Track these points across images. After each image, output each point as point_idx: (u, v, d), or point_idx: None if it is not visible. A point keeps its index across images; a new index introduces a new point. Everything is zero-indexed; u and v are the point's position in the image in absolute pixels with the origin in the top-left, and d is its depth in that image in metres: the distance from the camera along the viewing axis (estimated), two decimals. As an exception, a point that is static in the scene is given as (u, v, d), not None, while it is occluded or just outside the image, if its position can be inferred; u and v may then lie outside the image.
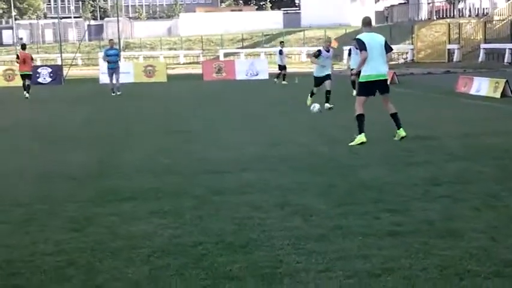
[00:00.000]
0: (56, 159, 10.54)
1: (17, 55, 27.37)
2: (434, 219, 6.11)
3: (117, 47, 29.74)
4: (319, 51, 18.50)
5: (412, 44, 53.51)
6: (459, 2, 61.19)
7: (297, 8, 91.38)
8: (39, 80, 34.23)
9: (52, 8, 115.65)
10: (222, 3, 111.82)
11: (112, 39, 29.47)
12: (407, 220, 6.10)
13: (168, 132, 13.84)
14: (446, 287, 4.42)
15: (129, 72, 35.16)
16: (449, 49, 48.71)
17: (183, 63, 62.41)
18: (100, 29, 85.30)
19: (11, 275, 4.86)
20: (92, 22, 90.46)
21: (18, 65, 27.01)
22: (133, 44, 75.28)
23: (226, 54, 61.95)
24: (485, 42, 45.18)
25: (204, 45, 70.02)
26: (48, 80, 36.25)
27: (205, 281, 4.65)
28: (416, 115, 15.62)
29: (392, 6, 79.07)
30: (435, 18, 58.39)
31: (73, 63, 44.52)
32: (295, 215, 6.46)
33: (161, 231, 5.96)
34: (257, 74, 37.34)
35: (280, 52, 32.07)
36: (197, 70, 44.35)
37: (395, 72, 30.39)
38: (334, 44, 36.04)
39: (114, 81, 25.58)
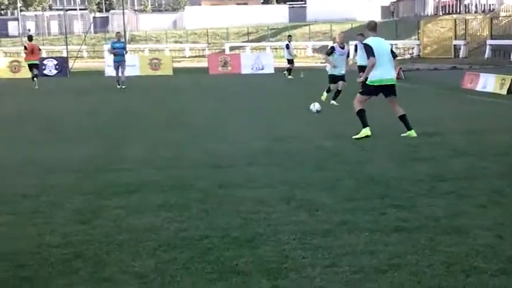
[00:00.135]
0: (62, 151, 10.56)
1: (25, 46, 27.63)
2: (440, 216, 6.11)
3: (123, 40, 29.70)
4: (332, 48, 17.40)
5: (418, 39, 53.40)
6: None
7: (303, 2, 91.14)
8: (45, 71, 34.26)
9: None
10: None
11: (118, 32, 29.45)
12: (413, 216, 6.10)
13: (173, 125, 13.85)
14: (453, 283, 4.41)
15: (135, 65, 35.18)
16: (455, 45, 48.61)
17: (189, 57, 62.38)
18: (105, 22, 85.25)
19: (19, 267, 4.88)
20: (98, 14, 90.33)
21: (25, 55, 27.30)
22: (138, 36, 75.24)
23: (231, 48, 61.88)
24: (492, 39, 45.04)
25: (209, 39, 69.96)
26: (54, 72, 36.29)
27: (211, 275, 4.66)
28: (421, 111, 15.59)
29: (398, 1, 78.84)
30: (441, 14, 58.23)
31: (78, 56, 44.50)
32: (301, 209, 6.47)
33: (168, 225, 5.97)
34: (263, 68, 37.32)
35: (287, 46, 32.04)
36: (202, 64, 44.34)
37: (400, 68, 30.30)
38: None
39: (120, 74, 25.52)
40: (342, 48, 17.21)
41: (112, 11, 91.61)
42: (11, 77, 35.20)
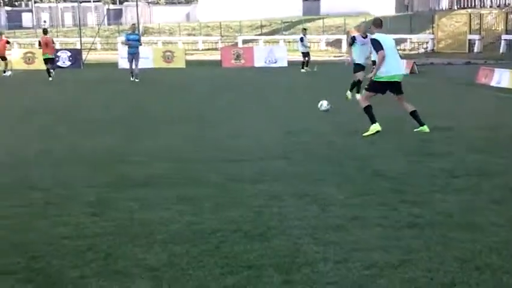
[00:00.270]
0: (75, 143, 10.59)
1: (39, 42, 27.89)
2: (454, 212, 6.07)
3: (138, 32, 29.72)
4: (353, 38, 16.99)
5: (432, 33, 53.10)
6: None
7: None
8: (59, 63, 34.33)
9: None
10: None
11: (134, 24, 29.43)
12: (426, 212, 6.07)
13: (186, 118, 13.85)
14: (466, 280, 4.38)
15: (148, 57, 35.20)
16: (469, 39, 48.28)
17: (202, 49, 62.36)
18: (119, 14, 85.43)
19: (31, 259, 4.90)
20: (112, 6, 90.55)
21: (41, 49, 27.65)
22: (151, 29, 75.29)
23: (244, 41, 61.79)
24: (507, 33, 44.70)
25: (222, 32, 69.88)
26: (68, 63, 36.41)
27: (223, 268, 4.66)
28: (435, 106, 15.52)
29: (413, -5, 78.43)
30: (456, 8, 57.87)
31: (92, 48, 44.61)
32: (313, 204, 6.46)
33: (180, 218, 5.97)
34: (276, 62, 37.24)
35: (301, 39, 31.93)
36: (215, 56, 44.32)
37: (414, 62, 30.19)
38: (353, 33, 35.94)
39: (133, 67, 25.51)
40: (364, 37, 16.50)
41: (125, 3, 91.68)
42: (25, 69, 35.36)
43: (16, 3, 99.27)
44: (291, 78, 27.72)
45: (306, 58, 31.28)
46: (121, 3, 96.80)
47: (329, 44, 60.00)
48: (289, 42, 57.03)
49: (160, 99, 18.42)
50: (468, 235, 5.35)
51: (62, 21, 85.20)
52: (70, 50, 39.87)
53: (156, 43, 62.30)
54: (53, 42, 28.61)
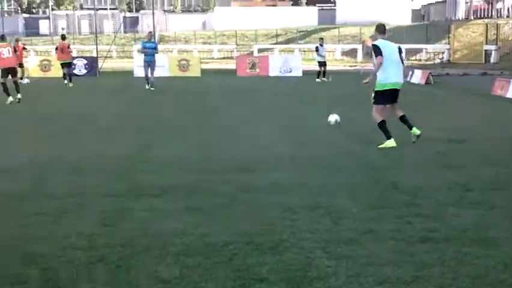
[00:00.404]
0: (90, 151, 10.64)
1: (56, 47, 28.50)
2: (468, 227, 6.02)
3: (154, 40, 29.88)
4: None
5: (448, 43, 52.94)
6: (497, 2, 60.34)
7: (333, 5, 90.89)
8: (75, 71, 34.54)
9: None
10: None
11: (150, 32, 29.58)
12: (440, 226, 6.03)
13: (200, 127, 13.88)
14: (479, 297, 4.35)
15: (164, 65, 35.32)
16: (486, 50, 48.08)
17: (217, 58, 62.57)
18: (135, 22, 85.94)
19: (43, 270, 4.91)
20: (128, 14, 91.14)
21: (56, 54, 28.13)
22: (167, 37, 75.67)
23: (260, 50, 61.93)
24: (524, 44, 44.51)
25: (238, 40, 70.09)
26: (84, 71, 36.63)
27: (235, 282, 4.64)
28: (450, 117, 15.47)
29: (429, 4, 78.40)
30: (472, 18, 57.72)
31: (108, 55, 44.87)
32: (325, 216, 6.43)
33: (192, 229, 5.97)
34: (291, 71, 37.27)
35: (317, 49, 31.96)
36: (231, 65, 44.43)
37: (430, 73, 30.14)
38: (368, 43, 35.86)
39: (149, 75, 25.57)
40: None
41: (142, 11, 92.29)
42: (41, 76, 35.60)
43: (34, 11, 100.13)
44: (306, 87, 27.72)
45: (322, 68, 31.22)
46: (137, 11, 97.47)
47: (344, 53, 60.02)
48: (304, 51, 57.11)
49: (175, 108, 18.47)
50: (482, 251, 5.30)
51: (78, 28, 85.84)
52: (86, 57, 40.11)
53: (172, 51, 62.57)
54: (69, 47, 29.10)
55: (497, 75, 29.89)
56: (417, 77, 30.18)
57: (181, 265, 4.99)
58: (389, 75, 10.98)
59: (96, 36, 43.85)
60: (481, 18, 56.78)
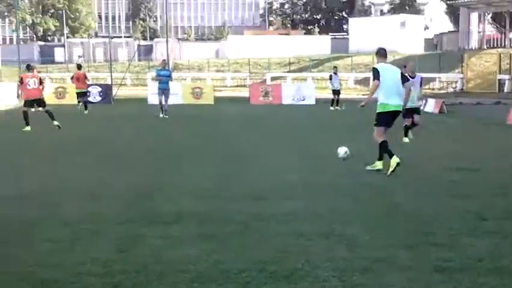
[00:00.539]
0: (104, 177, 10.68)
1: (72, 76, 29.04)
2: (484, 256, 5.98)
3: (168, 68, 30.10)
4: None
5: (462, 73, 52.93)
6: (510, 31, 60.40)
7: (345, 34, 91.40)
8: (90, 98, 34.79)
9: (103, 27, 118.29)
10: (270, 27, 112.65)
11: (164, 60, 29.83)
12: (455, 255, 5.99)
13: (213, 155, 13.90)
14: (495, 328, 4.30)
15: (177, 93, 35.52)
16: (499, 79, 48.03)
17: (230, 86, 62.85)
18: (149, 50, 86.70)
19: (58, 295, 4.92)
20: (142, 42, 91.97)
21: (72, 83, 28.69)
22: (181, 65, 76.20)
23: (273, 78, 62.17)
24: (537, 74, 44.40)
25: (251, 68, 70.45)
26: (98, 99, 36.89)
27: (249, 309, 4.63)
28: (464, 146, 15.42)
29: (442, 34, 78.60)
30: (485, 48, 57.73)
31: (122, 83, 45.17)
32: (340, 244, 6.41)
33: (206, 256, 5.96)
34: (304, 99, 37.36)
35: (330, 77, 32.20)
36: (244, 93, 44.60)
37: (444, 102, 30.12)
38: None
39: (163, 102, 25.68)
40: (413, 77, 15.79)
41: (156, 39, 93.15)
42: (56, 103, 35.78)
43: (49, 38, 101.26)
44: (319, 116, 27.76)
45: (336, 96, 31.32)
46: (151, 39, 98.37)
47: (357, 82, 60.10)
48: (317, 79, 57.24)
49: (188, 135, 18.53)
50: (498, 280, 5.26)
51: (93, 56, 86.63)
52: (100, 85, 40.42)
53: (185, 79, 62.93)
54: (86, 77, 29.54)
55: (511, 105, 29.79)
56: (431, 105, 30.17)
57: (195, 292, 4.99)
58: (391, 98, 11.14)
59: (110, 64, 44.20)
60: (494, 47, 56.78)
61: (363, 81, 58.88)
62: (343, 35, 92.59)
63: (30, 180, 10.52)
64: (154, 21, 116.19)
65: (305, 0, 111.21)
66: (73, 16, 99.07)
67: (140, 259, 5.89)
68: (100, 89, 38.12)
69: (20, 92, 29.77)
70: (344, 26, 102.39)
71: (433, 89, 53.01)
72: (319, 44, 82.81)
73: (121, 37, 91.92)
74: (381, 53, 11.56)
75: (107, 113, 29.04)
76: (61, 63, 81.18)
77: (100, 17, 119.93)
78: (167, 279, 5.31)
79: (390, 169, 10.82)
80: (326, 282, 5.23)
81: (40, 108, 20.57)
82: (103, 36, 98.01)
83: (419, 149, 14.63)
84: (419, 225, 7.25)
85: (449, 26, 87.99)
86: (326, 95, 36.14)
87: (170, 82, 26.52)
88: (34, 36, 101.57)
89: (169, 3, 73.97)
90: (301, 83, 51.05)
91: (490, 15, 63.84)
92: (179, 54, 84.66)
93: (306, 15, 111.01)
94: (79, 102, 28.89)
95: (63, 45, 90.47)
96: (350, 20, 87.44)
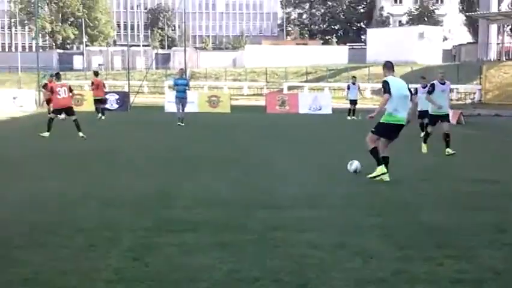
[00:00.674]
0: (119, 185, 10.70)
1: (92, 82, 29.34)
2: (502, 269, 5.90)
3: (186, 77, 30.21)
4: (432, 85, 15.91)
5: (480, 84, 52.62)
6: (529, 43, 60.06)
7: (363, 44, 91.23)
8: (107, 106, 34.97)
9: (122, 35, 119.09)
10: (288, 37, 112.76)
11: (182, 69, 29.91)
12: (473, 268, 5.91)
13: (229, 163, 13.88)
14: None
15: (193, 101, 35.57)
16: (518, 91, 47.70)
17: (247, 95, 62.90)
18: (167, 58, 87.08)
19: (71, 302, 4.91)
20: (160, 51, 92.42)
21: (91, 90, 28.90)
22: (198, 73, 76.43)
23: (290, 87, 62.15)
24: (556, 85, 44.03)
25: (268, 78, 70.49)
26: (116, 106, 37.04)
27: (263, 319, 4.59)
28: (482, 158, 15.30)
29: (460, 45, 78.22)
30: (504, 59, 57.38)
31: (139, 91, 45.37)
32: (355, 256, 6.35)
33: (220, 265, 5.94)
34: (320, 109, 37.28)
35: (348, 87, 32.22)
36: (260, 102, 44.62)
37: (461, 113, 29.91)
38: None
39: (180, 111, 25.72)
40: (443, 84, 15.83)
41: (173, 48, 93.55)
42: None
43: (68, 46, 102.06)
44: (335, 125, 27.69)
45: (352, 106, 31.28)
46: (169, 48, 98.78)
47: (374, 92, 59.89)
48: (334, 89, 57.14)
49: (204, 143, 18.53)
50: (516, 294, 5.18)
51: (112, 64, 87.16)
52: (117, 92, 40.61)
53: (202, 87, 63.11)
54: (104, 85, 29.89)
55: (530, 116, 29.56)
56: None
57: (209, 301, 4.96)
58: (398, 111, 11.23)
59: (128, 72, 44.44)
60: (512, 59, 56.55)
61: (380, 92, 58.66)
62: (361, 45, 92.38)
63: (46, 186, 10.55)
64: (172, 30, 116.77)
65: (323, 10, 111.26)
66: (92, 24, 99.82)
67: (153, 267, 5.88)
68: (117, 96, 38.28)
69: (44, 98, 30.16)
70: (362, 37, 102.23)
71: (451, 100, 52.64)
72: (336, 54, 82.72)
73: (139, 45, 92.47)
74: (389, 66, 11.65)
75: (123, 120, 29.14)
76: (79, 70, 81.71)
77: (118, 25, 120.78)
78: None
79: (374, 174, 11.07)
80: (341, 293, 5.19)
81: (63, 116, 20.69)
82: (121, 45, 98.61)
83: (437, 160, 14.53)
84: (436, 236, 7.17)
85: (467, 38, 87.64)
86: (342, 105, 36.02)
87: (187, 91, 26.56)
88: (53, 44, 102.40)
89: (187, 13, 74.32)
90: (318, 93, 50.97)
91: (510, 27, 63.47)
92: (197, 63, 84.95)
93: (324, 26, 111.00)
94: (96, 109, 29.12)
95: (82, 53, 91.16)
96: (368, 30, 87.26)
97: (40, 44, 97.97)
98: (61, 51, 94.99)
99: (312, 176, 12.05)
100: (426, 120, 20.74)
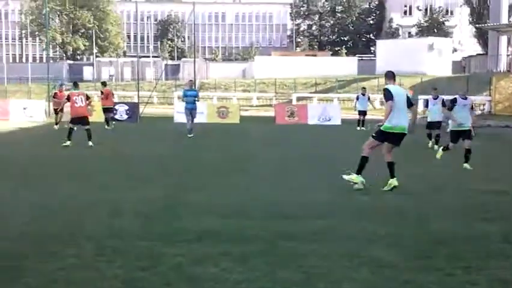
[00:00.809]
0: (130, 195, 10.69)
1: (101, 91, 29.54)
2: (511, 280, 5.85)
3: (195, 88, 30.21)
4: (453, 100, 15.47)
5: (490, 95, 52.47)
6: (540, 54, 59.88)
7: (372, 55, 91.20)
8: (116, 116, 35.07)
9: (132, 46, 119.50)
10: (297, 48, 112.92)
11: (191, 80, 29.94)
12: (483, 279, 5.87)
13: (238, 173, 13.87)
14: None
15: (202, 112, 35.61)
16: (528, 102, 47.53)
17: (256, 106, 62.90)
18: (176, 69, 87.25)
19: (79, 311, 4.90)
20: (170, 62, 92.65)
21: (100, 101, 29.00)
22: (207, 84, 76.55)
23: (299, 98, 62.15)
24: None
25: (277, 89, 70.53)
26: (125, 117, 37.11)
27: (271, 330, 4.56)
28: (491, 169, 15.22)
29: (470, 56, 78.03)
30: (514, 71, 57.19)
31: (148, 101, 45.47)
32: (364, 266, 6.32)
33: (228, 275, 5.92)
34: (329, 120, 37.23)
35: (357, 97, 32.33)
36: (269, 113, 44.60)
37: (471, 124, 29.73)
38: (409, 93, 35.79)
39: (190, 122, 25.71)
40: (465, 98, 15.51)
41: (183, 59, 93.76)
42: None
43: (78, 57, 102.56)
44: (344, 136, 27.62)
45: (361, 117, 31.29)
46: (179, 59, 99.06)
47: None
48: (343, 100, 57.11)
49: (213, 153, 18.52)
50: (526, 305, 5.13)
51: (121, 75, 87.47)
52: (127, 103, 40.67)
53: (211, 98, 63.18)
54: (113, 95, 30.12)
55: (540, 128, 29.41)
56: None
57: (217, 311, 4.93)
58: (397, 119, 11.32)
59: (138, 83, 44.50)
60: (523, 70, 56.31)
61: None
62: (370, 57, 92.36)
63: (56, 196, 10.57)
64: (182, 41, 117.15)
65: (332, 22, 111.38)
66: (102, 36, 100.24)
67: (161, 277, 5.86)
68: (127, 107, 38.36)
69: (53, 107, 30.37)
70: (371, 48, 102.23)
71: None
72: (346, 66, 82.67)
73: (148, 56, 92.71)
74: (390, 76, 11.81)
75: (132, 130, 29.21)
76: (89, 81, 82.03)
77: (128, 36, 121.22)
78: (189, 297, 5.26)
79: (352, 178, 11.30)
80: (349, 304, 5.15)
81: (71, 125, 20.76)
82: (131, 56, 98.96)
83: (446, 171, 14.47)
84: (447, 247, 7.13)
85: (477, 49, 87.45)
86: (351, 116, 35.98)
87: (197, 102, 26.57)
88: (64, 55, 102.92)
89: (197, 24, 74.65)
90: (327, 104, 50.95)
91: (520, 38, 63.23)
92: (206, 73, 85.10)
93: (334, 37, 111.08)
94: (106, 119, 29.27)
95: (92, 64, 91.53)
96: (378, 41, 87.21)
97: (51, 55, 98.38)
98: (71, 62, 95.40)
99: (322, 186, 12.01)
100: (436, 132, 20.74)
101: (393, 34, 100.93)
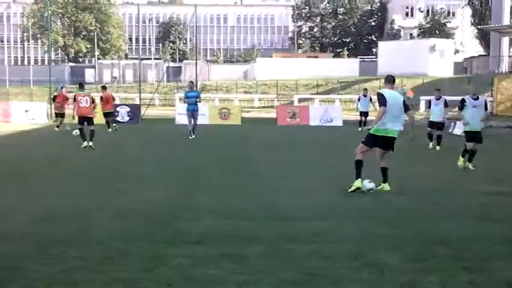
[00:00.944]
0: (132, 197, 10.69)
1: (101, 97, 29.24)
2: (514, 281, 5.84)
3: (196, 89, 30.19)
4: (463, 101, 15.43)
5: (492, 96, 52.43)
6: (541, 55, 59.82)
7: (374, 57, 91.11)
8: (118, 118, 35.07)
9: (133, 49, 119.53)
10: (299, 50, 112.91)
11: (191, 81, 29.90)
12: (486, 280, 5.86)
13: (240, 175, 13.86)
14: None
15: (204, 114, 35.61)
16: (530, 103, 47.49)
17: (257, 107, 62.88)
18: (178, 71, 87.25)
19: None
20: (171, 64, 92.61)
21: (101, 105, 28.99)
22: (209, 86, 76.56)
23: (300, 100, 62.14)
24: None
25: (278, 90, 70.53)
26: (127, 118, 37.13)
27: (274, 331, 4.55)
28: (495, 170, 15.19)
29: (472, 57, 77.96)
30: (516, 71, 57.12)
31: (150, 103, 45.49)
32: (367, 267, 6.31)
33: (232, 277, 5.91)
34: (331, 121, 37.23)
35: (359, 99, 32.33)
36: (271, 114, 44.59)
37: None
38: (410, 94, 35.71)
39: (192, 123, 25.70)
40: (476, 99, 15.47)
41: (185, 61, 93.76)
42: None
43: (80, 60, 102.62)
44: (346, 137, 27.59)
45: (363, 118, 31.30)
46: (180, 61, 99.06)
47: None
48: (345, 101, 57.09)
49: (215, 155, 18.51)
50: (529, 306, 5.12)
51: (123, 77, 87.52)
52: (129, 105, 40.71)
53: (213, 100, 63.19)
54: (114, 98, 29.93)
55: (542, 129, 29.38)
56: (460, 128, 29.80)
57: (220, 312, 4.93)
58: (391, 123, 11.31)
59: (140, 85, 44.53)
60: (524, 71, 56.24)
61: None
62: (372, 58, 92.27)
63: (60, 198, 10.58)
64: (183, 43, 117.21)
65: (334, 23, 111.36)
66: (104, 38, 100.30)
67: (165, 278, 5.87)
68: (128, 109, 38.38)
69: (54, 111, 30.35)
70: (373, 49, 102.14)
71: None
72: (347, 67, 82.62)
73: (150, 59, 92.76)
74: (389, 79, 11.85)
75: (134, 133, 29.22)
76: (91, 83, 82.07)
77: (130, 39, 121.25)
78: (192, 299, 5.26)
79: (353, 188, 11.18)
80: (352, 305, 5.14)
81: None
82: (133, 58, 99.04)
83: (448, 172, 14.45)
84: (449, 248, 7.12)
85: (479, 50, 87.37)
86: (353, 117, 35.97)
87: (198, 103, 26.55)
88: (66, 57, 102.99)
89: (199, 26, 74.67)
90: (328, 105, 50.93)
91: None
92: (208, 75, 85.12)
93: (335, 39, 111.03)
94: (107, 122, 29.02)
95: (93, 66, 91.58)
96: (379, 43, 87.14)
97: (53, 57, 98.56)
98: (73, 64, 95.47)
99: (324, 188, 12.00)
100: (437, 132, 20.74)
101: (395, 36, 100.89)
